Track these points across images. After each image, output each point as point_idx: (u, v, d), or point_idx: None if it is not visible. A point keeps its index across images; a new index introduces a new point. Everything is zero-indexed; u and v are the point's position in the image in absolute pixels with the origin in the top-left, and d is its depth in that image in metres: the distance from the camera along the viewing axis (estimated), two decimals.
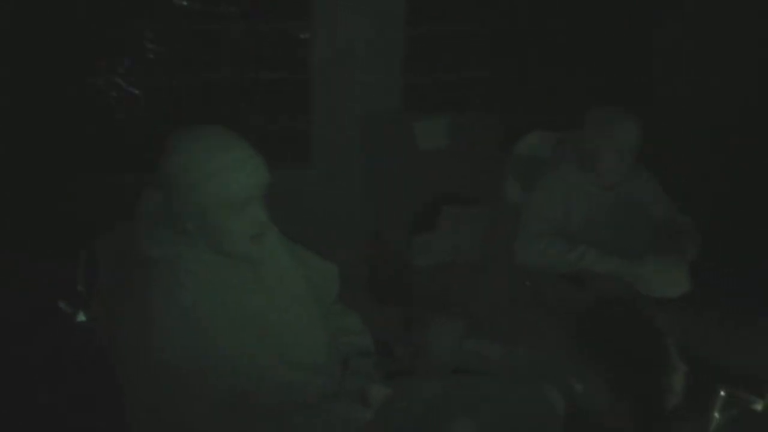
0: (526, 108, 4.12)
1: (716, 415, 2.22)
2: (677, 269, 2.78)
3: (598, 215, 2.85)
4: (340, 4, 3.58)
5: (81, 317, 1.91)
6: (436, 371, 2.44)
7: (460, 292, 3.24)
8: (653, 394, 2.39)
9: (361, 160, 3.74)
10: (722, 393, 2.23)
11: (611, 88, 4.23)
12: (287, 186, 3.05)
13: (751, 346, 2.59)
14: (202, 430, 1.62)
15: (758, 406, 2.26)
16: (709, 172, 4.09)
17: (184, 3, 3.45)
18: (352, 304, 2.15)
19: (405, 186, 3.69)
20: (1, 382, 2.36)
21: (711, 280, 2.88)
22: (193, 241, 1.70)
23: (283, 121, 3.73)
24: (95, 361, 1.77)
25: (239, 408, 1.63)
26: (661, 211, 2.98)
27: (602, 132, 2.78)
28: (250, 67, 3.62)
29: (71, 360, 2.13)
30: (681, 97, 4.26)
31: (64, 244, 2.13)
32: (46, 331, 2.38)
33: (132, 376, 1.62)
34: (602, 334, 2.55)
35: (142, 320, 1.61)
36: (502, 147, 3.23)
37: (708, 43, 4.26)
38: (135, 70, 3.49)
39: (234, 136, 1.72)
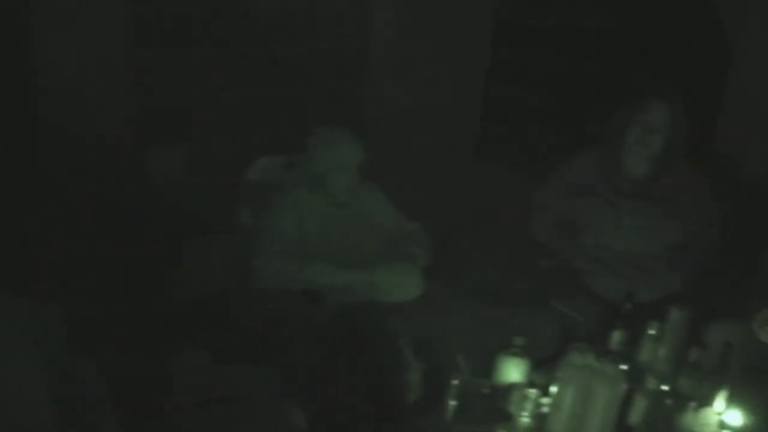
0: (263, 131, 4.16)
1: (452, 402, 2.41)
2: (408, 275, 2.98)
3: (332, 232, 2.99)
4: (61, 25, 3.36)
5: None
6: (187, 404, 2.45)
7: (210, 323, 3.24)
8: (392, 393, 2.56)
9: (97, 193, 3.59)
10: (455, 382, 2.43)
11: (327, 105, 4.37)
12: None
13: (480, 338, 2.81)
14: None
15: (486, 390, 2.48)
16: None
17: None
18: (94, 348, 2.11)
19: (145, 219, 3.63)
20: None
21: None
22: None
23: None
24: None
25: None
26: (390, 221, 3.17)
27: (326, 154, 2.94)
28: None
29: None
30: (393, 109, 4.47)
31: None
32: None
33: None
34: (343, 343, 2.70)
35: None
36: (240, 173, 3.26)
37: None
38: None
39: None
